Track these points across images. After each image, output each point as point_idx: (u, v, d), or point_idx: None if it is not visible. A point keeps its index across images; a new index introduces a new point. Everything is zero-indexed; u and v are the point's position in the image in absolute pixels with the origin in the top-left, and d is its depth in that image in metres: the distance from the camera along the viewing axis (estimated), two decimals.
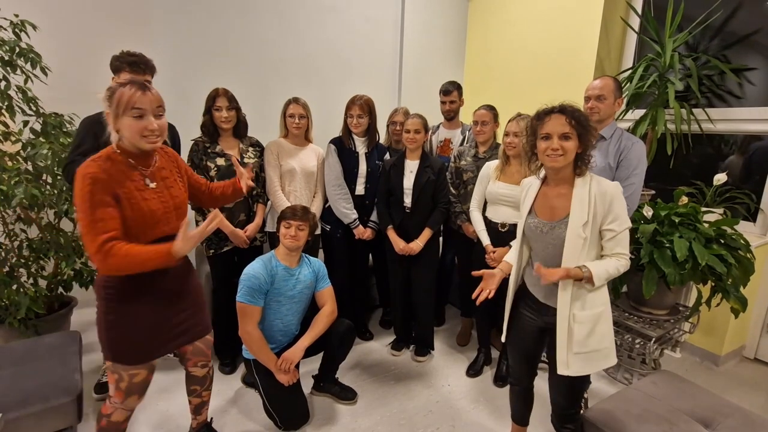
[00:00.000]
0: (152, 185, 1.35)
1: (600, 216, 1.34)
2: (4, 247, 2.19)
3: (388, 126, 2.77)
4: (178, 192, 1.43)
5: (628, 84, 2.63)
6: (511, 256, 1.63)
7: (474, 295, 1.52)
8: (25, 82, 2.15)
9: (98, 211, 1.21)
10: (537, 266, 1.35)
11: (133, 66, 1.89)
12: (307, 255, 2.09)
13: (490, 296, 1.47)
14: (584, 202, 1.35)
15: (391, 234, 2.40)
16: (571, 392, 1.52)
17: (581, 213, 1.34)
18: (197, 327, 1.55)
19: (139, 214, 1.29)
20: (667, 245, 2.06)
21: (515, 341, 1.61)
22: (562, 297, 1.38)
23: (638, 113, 2.71)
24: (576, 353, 1.38)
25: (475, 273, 1.57)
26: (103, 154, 1.29)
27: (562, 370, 1.40)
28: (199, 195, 1.64)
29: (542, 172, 1.51)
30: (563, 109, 1.34)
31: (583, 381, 1.50)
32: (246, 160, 2.24)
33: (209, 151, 2.18)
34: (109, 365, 1.40)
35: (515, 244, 1.60)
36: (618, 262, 1.36)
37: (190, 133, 2.23)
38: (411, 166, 2.37)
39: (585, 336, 1.37)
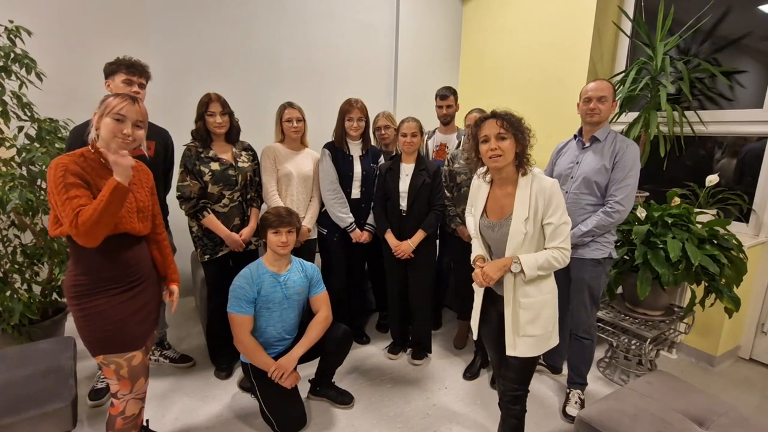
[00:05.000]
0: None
1: (541, 210, 1.45)
2: None
3: (374, 132, 2.80)
4: (142, 197, 1.52)
5: (621, 87, 2.66)
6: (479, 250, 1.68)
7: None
8: (20, 87, 2.14)
9: (72, 190, 1.28)
10: (475, 273, 1.52)
11: (130, 68, 1.91)
12: (301, 260, 2.09)
13: (491, 283, 1.53)
14: (525, 200, 1.46)
15: (390, 237, 2.40)
16: (522, 370, 1.58)
17: (522, 210, 1.46)
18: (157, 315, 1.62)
19: None
20: (661, 246, 2.07)
21: (486, 335, 1.69)
22: (507, 285, 1.52)
23: (631, 116, 2.73)
24: (522, 336, 1.51)
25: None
26: (77, 152, 1.37)
27: (510, 351, 1.54)
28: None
29: (489, 176, 1.59)
30: (495, 115, 1.47)
31: (534, 362, 1.57)
32: (240, 164, 2.24)
33: (202, 156, 2.16)
34: (102, 360, 1.42)
35: (475, 242, 1.69)
36: (552, 253, 1.45)
37: (184, 138, 2.21)
38: (406, 169, 2.38)
39: (530, 321, 1.50)
